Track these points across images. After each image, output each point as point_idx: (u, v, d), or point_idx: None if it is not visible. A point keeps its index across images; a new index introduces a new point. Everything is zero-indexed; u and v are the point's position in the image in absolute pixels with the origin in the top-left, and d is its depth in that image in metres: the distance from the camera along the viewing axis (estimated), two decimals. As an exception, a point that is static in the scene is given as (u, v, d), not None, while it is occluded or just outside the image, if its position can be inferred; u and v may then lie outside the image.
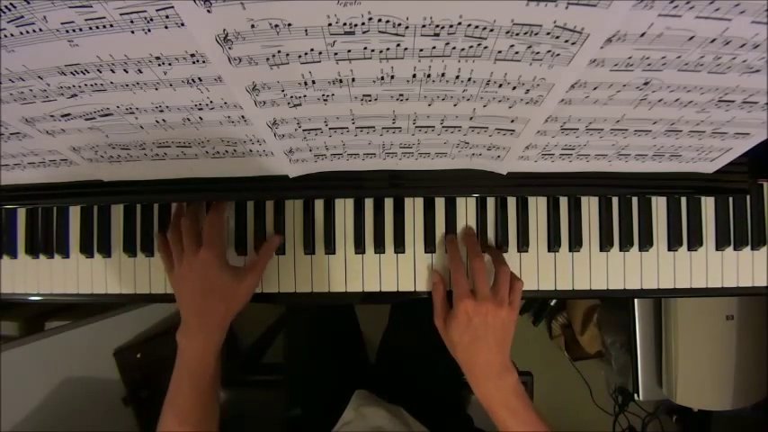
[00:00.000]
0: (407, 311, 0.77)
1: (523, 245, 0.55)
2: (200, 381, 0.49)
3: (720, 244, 0.56)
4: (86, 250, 0.58)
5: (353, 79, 0.35)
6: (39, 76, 0.34)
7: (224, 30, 0.29)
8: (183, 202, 0.55)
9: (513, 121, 0.41)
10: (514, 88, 0.36)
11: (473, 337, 0.49)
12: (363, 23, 0.29)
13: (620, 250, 0.56)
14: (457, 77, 0.35)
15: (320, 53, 0.32)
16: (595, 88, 0.36)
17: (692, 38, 0.31)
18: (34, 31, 0.29)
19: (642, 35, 0.30)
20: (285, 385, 0.76)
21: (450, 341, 0.51)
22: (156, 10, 0.28)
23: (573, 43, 0.30)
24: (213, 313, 0.49)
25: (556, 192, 0.54)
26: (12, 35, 0.30)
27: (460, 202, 0.56)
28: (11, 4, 0.27)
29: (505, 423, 0.48)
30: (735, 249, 0.56)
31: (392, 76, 0.35)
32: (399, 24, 0.29)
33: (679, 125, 0.42)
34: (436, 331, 0.53)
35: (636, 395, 1.01)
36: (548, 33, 0.30)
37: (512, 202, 0.56)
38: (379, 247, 0.56)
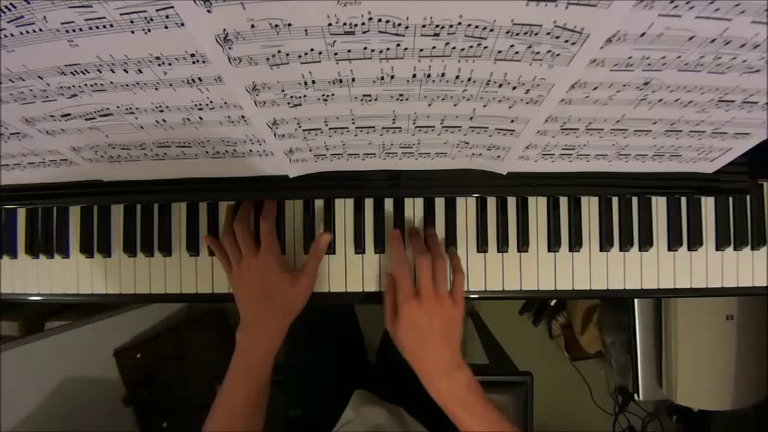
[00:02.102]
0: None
1: (523, 245, 0.55)
2: (257, 379, 0.51)
3: (720, 244, 0.56)
4: (86, 250, 0.58)
5: (353, 79, 0.35)
6: (39, 76, 0.34)
7: (224, 30, 0.29)
8: (232, 202, 0.56)
9: (513, 121, 0.41)
10: (514, 88, 0.36)
11: (419, 338, 0.49)
12: (363, 23, 0.29)
13: (620, 250, 0.56)
14: (457, 77, 0.35)
15: (320, 53, 0.32)
16: (595, 88, 0.36)
17: (692, 38, 0.31)
18: (34, 31, 0.29)
19: (642, 35, 0.30)
20: (285, 385, 0.76)
21: (399, 344, 0.50)
22: (156, 10, 0.28)
23: (573, 43, 0.30)
24: (274, 316, 0.51)
25: (556, 192, 0.54)
26: (12, 35, 0.30)
27: (460, 202, 0.56)
28: (11, 4, 0.27)
29: (462, 421, 0.48)
30: (735, 249, 0.56)
31: (392, 76, 0.35)
32: (399, 24, 0.29)
33: (679, 125, 0.42)
34: None
35: (636, 395, 1.01)
36: (548, 33, 0.30)
37: (512, 202, 0.56)
38: (379, 247, 0.56)
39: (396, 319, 0.50)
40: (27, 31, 0.29)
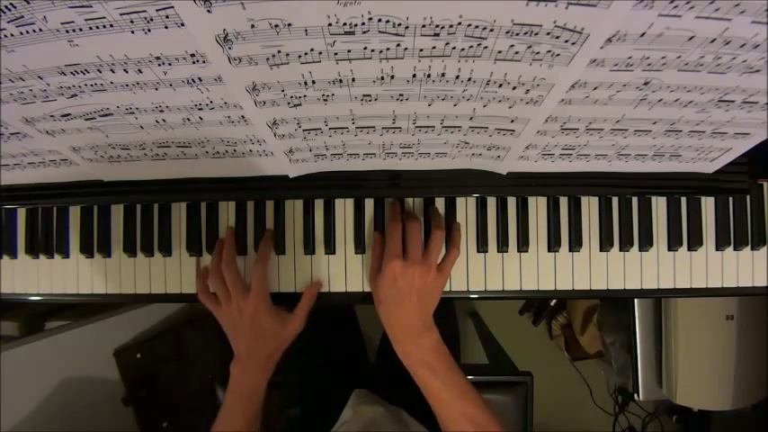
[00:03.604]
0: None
1: (523, 245, 0.55)
2: (252, 405, 0.53)
3: (720, 244, 0.56)
4: (86, 250, 0.58)
5: (353, 79, 0.35)
6: (39, 76, 0.34)
7: (224, 30, 0.29)
8: (222, 239, 0.56)
9: (513, 121, 0.41)
10: (514, 88, 0.36)
11: (396, 298, 0.49)
12: (363, 23, 0.29)
13: (620, 250, 0.56)
14: (457, 77, 0.35)
15: (320, 53, 0.32)
16: (595, 88, 0.36)
17: (692, 38, 0.31)
18: (34, 31, 0.29)
19: (642, 35, 0.30)
20: (284, 385, 0.76)
21: (376, 298, 0.52)
22: (156, 10, 0.28)
23: (573, 43, 0.30)
24: (263, 351, 0.53)
25: (556, 192, 0.54)
26: (12, 35, 0.30)
27: (460, 202, 0.56)
28: (11, 4, 0.27)
29: (426, 382, 0.49)
30: (735, 249, 0.56)
31: (392, 76, 0.35)
32: (399, 24, 0.29)
33: (679, 125, 0.42)
34: None
35: (636, 395, 1.01)
36: (548, 33, 0.30)
37: (512, 202, 0.56)
38: (379, 247, 0.56)
39: (378, 274, 0.51)
40: (27, 31, 0.29)
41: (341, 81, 0.35)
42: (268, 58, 0.32)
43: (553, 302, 1.40)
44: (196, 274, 0.57)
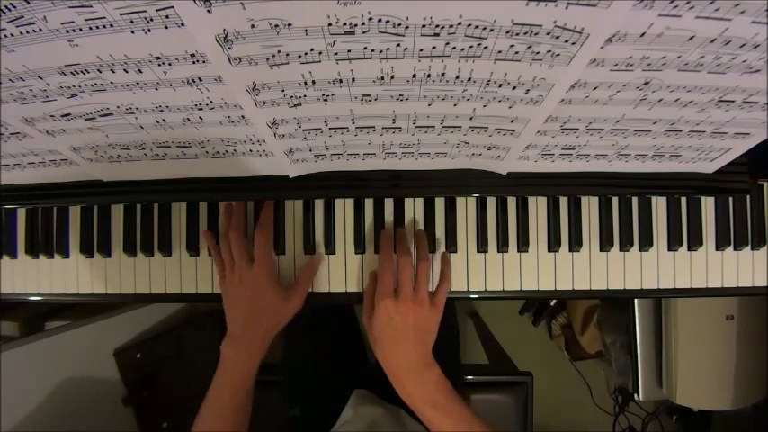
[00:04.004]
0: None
1: (523, 245, 0.55)
2: (240, 390, 0.51)
3: (720, 244, 0.56)
4: (86, 250, 0.58)
5: (353, 79, 0.35)
6: (39, 76, 0.34)
7: (224, 30, 0.29)
8: (230, 203, 0.55)
9: (513, 121, 0.41)
10: (514, 88, 0.36)
11: (392, 336, 0.49)
12: (363, 23, 0.29)
13: (620, 250, 0.56)
14: (457, 77, 0.35)
15: (320, 53, 0.32)
16: (595, 88, 0.36)
17: (692, 38, 0.31)
18: (34, 31, 0.29)
19: (642, 35, 0.30)
20: (284, 385, 0.76)
21: (372, 338, 0.51)
22: (156, 10, 0.28)
23: (573, 43, 0.30)
24: (259, 329, 0.52)
25: (556, 192, 0.54)
26: (12, 35, 0.30)
27: (460, 202, 0.56)
28: (11, 4, 0.27)
29: (431, 419, 0.48)
30: (735, 249, 0.56)
31: (392, 76, 0.35)
32: (399, 24, 0.29)
33: (679, 125, 0.42)
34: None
35: (636, 395, 1.01)
36: (548, 33, 0.30)
37: (512, 202, 0.56)
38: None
39: (372, 313, 0.50)
40: (27, 31, 0.29)
41: (341, 81, 0.35)
42: (268, 58, 0.32)
43: (553, 302, 1.40)
44: (197, 273, 0.57)
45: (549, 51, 0.31)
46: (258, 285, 0.51)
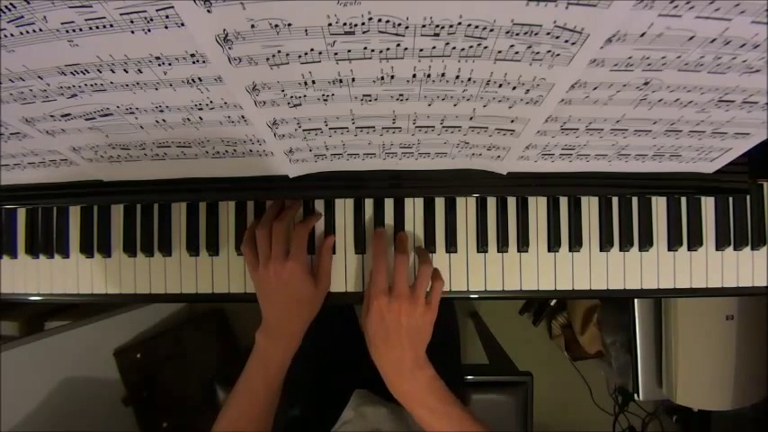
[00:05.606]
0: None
1: (523, 245, 0.55)
2: (273, 380, 0.52)
3: (720, 244, 0.56)
4: (86, 250, 0.58)
5: (353, 79, 0.35)
6: (39, 76, 0.34)
7: (224, 30, 0.29)
8: (280, 200, 0.55)
9: (513, 121, 0.41)
10: (514, 88, 0.36)
11: (384, 336, 0.49)
12: (363, 23, 0.29)
13: (620, 250, 0.56)
14: (457, 77, 0.35)
15: (320, 53, 0.32)
16: (595, 88, 0.36)
17: (692, 38, 0.31)
18: (34, 31, 0.29)
19: (642, 35, 0.30)
20: (285, 385, 0.76)
21: (366, 337, 0.51)
22: (156, 10, 0.28)
23: (573, 43, 0.30)
24: (296, 320, 0.52)
25: (556, 192, 0.54)
26: (12, 35, 0.30)
27: (460, 202, 0.56)
28: (11, 4, 0.27)
29: (426, 421, 0.48)
30: (735, 249, 0.56)
31: (392, 76, 0.35)
32: (399, 24, 0.29)
33: (679, 125, 0.42)
34: (435, 331, 0.53)
35: (636, 395, 1.01)
36: (548, 33, 0.30)
37: (512, 202, 0.56)
38: (379, 247, 0.55)
39: (367, 312, 0.50)
40: (27, 31, 0.29)
41: (341, 81, 0.35)
42: (268, 58, 0.32)
43: (553, 302, 1.40)
44: (197, 273, 0.57)
45: (549, 51, 0.31)
46: (293, 279, 0.50)
